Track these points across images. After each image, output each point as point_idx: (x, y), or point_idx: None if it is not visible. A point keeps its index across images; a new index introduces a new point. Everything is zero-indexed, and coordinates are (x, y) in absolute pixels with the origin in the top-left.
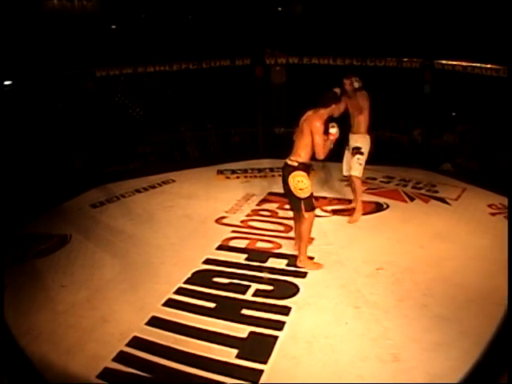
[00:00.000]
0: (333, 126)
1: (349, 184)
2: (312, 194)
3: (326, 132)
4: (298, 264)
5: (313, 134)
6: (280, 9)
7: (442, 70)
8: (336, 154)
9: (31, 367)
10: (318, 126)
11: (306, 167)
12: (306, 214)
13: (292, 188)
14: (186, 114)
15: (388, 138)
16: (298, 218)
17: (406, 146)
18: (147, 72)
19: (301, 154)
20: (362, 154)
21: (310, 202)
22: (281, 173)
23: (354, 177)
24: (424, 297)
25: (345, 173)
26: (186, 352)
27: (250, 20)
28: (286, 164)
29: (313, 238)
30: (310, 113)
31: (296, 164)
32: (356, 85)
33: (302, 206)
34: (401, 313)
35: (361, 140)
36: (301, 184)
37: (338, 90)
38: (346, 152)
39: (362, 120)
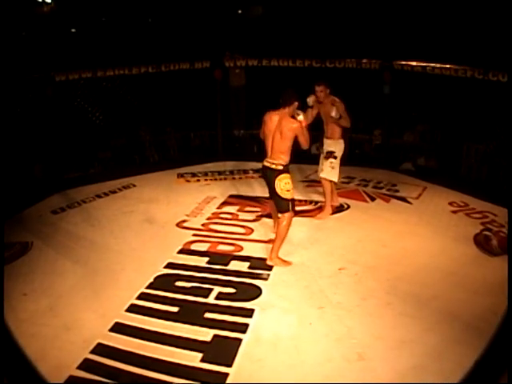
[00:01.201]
0: (298, 114)
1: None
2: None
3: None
4: (268, 262)
5: (298, 136)
6: (240, 11)
7: (401, 71)
8: (297, 155)
9: (31, 367)
10: (298, 127)
11: (287, 168)
12: (287, 214)
13: (278, 190)
14: (146, 118)
15: (348, 139)
16: (276, 217)
17: (366, 146)
18: (106, 76)
19: (283, 157)
20: (335, 158)
21: (293, 203)
22: (241, 175)
23: (323, 179)
24: (387, 295)
25: (319, 175)
26: (151, 357)
27: (210, 23)
28: (269, 168)
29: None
30: (274, 115)
31: (281, 167)
32: (327, 91)
33: (288, 206)
34: (364, 312)
35: (334, 144)
36: (288, 186)
37: (312, 98)
38: (321, 156)
39: (335, 125)
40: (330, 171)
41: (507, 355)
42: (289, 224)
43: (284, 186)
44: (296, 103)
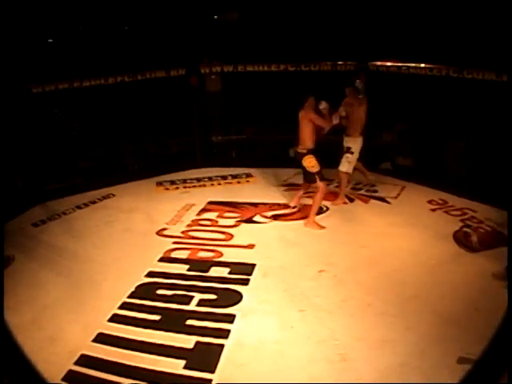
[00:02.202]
0: (320, 103)
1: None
2: (321, 168)
3: (320, 113)
4: (306, 225)
5: (313, 121)
6: (216, 17)
7: (376, 72)
8: (278, 159)
9: (31, 367)
10: (312, 115)
11: (312, 151)
12: (319, 184)
13: (306, 167)
14: (125, 127)
15: (327, 140)
16: (305, 187)
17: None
18: (83, 86)
19: (306, 143)
20: (351, 153)
21: (320, 174)
22: (220, 181)
23: (340, 172)
24: (368, 296)
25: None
26: (134, 366)
27: (185, 29)
28: (297, 152)
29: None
30: (300, 112)
31: (305, 151)
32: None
33: (315, 178)
34: (345, 313)
35: (352, 142)
36: (312, 163)
37: (323, 105)
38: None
39: (353, 124)
40: (345, 165)
41: (507, 355)
42: (322, 193)
43: (309, 163)
44: (310, 98)
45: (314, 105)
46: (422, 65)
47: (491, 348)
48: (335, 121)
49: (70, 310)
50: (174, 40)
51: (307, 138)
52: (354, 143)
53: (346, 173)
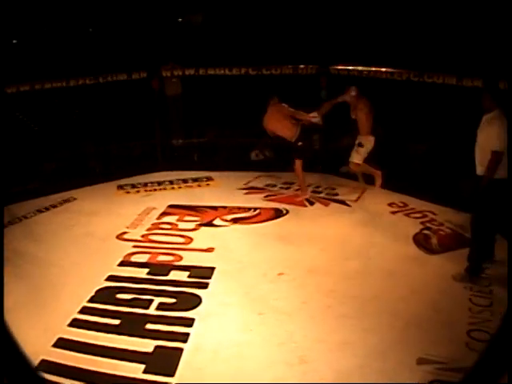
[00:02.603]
0: (314, 116)
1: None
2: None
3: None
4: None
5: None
6: (180, 20)
7: (337, 76)
8: (239, 162)
9: (31, 368)
10: (287, 110)
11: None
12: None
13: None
14: (88, 130)
15: (287, 145)
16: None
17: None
18: (44, 89)
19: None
20: (361, 146)
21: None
22: (181, 185)
23: (352, 164)
24: (327, 298)
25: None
26: (94, 371)
27: (148, 32)
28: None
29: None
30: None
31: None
32: (353, 93)
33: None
34: (305, 315)
35: (364, 139)
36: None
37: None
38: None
39: (362, 124)
40: (354, 155)
41: (507, 355)
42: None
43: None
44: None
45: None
46: (383, 69)
47: (491, 348)
48: (314, 119)
49: (31, 315)
50: (136, 43)
51: (291, 126)
52: (365, 140)
53: (357, 163)
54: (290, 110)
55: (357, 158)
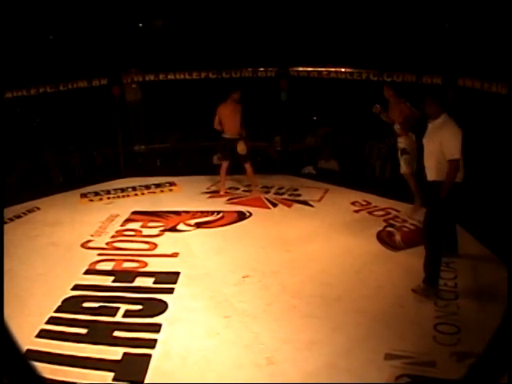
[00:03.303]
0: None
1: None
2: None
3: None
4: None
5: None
6: (141, 25)
7: (297, 77)
8: (201, 167)
9: (31, 368)
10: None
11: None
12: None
13: (239, 151)
14: (49, 139)
15: (249, 147)
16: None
17: (267, 153)
18: (5, 98)
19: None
20: (407, 153)
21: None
22: (144, 191)
23: (404, 175)
24: (293, 299)
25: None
26: (64, 381)
27: (108, 38)
28: (231, 139)
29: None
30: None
31: (239, 137)
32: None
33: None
34: (271, 317)
35: (404, 141)
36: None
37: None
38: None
39: (402, 124)
40: (406, 167)
41: (507, 355)
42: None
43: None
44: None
45: (234, 97)
46: (343, 69)
47: (491, 348)
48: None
49: None
50: (96, 49)
51: (239, 125)
52: (406, 142)
53: (407, 174)
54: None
55: (409, 169)
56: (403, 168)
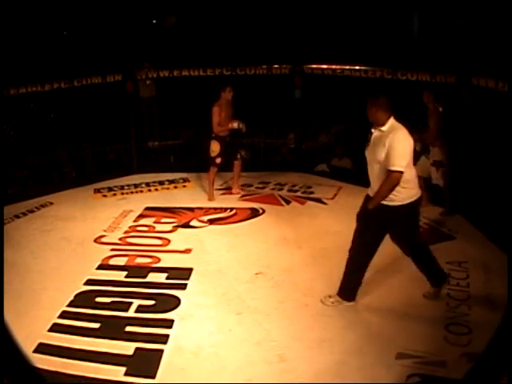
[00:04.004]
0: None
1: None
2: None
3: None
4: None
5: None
6: (154, 21)
7: (311, 75)
8: None
9: (31, 368)
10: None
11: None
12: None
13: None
14: (62, 135)
15: (263, 144)
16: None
17: (281, 151)
18: (20, 93)
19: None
20: (443, 165)
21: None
22: (157, 187)
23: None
24: (304, 297)
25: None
26: (76, 375)
27: (122, 34)
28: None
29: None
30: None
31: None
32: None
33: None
34: (282, 314)
35: (438, 152)
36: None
37: None
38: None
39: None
40: (443, 180)
41: (507, 355)
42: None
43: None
44: (227, 90)
45: (227, 97)
46: (357, 67)
47: (491, 348)
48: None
49: (11, 322)
50: (110, 45)
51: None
52: (440, 153)
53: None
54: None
55: (441, 181)
56: (440, 182)
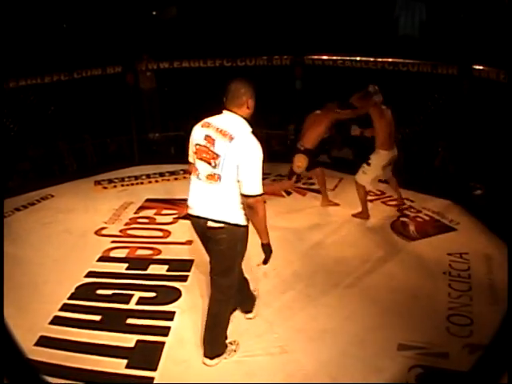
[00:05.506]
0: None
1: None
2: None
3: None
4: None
5: (339, 117)
6: (154, 13)
7: (312, 66)
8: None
9: (31, 367)
10: (334, 114)
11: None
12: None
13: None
14: (63, 127)
15: (264, 135)
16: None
17: (281, 141)
18: (19, 86)
19: (309, 142)
20: (368, 164)
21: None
22: (158, 179)
23: (356, 183)
24: (307, 287)
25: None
26: (77, 368)
27: (122, 25)
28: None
29: None
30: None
31: (303, 149)
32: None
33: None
34: (284, 305)
35: (373, 153)
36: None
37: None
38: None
39: (376, 135)
40: (360, 175)
41: (507, 355)
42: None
43: (298, 162)
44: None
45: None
46: (358, 58)
47: (491, 348)
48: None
49: (12, 315)
50: (110, 37)
51: (312, 138)
52: (374, 155)
53: (361, 185)
54: (337, 113)
55: (362, 179)
56: (358, 175)
